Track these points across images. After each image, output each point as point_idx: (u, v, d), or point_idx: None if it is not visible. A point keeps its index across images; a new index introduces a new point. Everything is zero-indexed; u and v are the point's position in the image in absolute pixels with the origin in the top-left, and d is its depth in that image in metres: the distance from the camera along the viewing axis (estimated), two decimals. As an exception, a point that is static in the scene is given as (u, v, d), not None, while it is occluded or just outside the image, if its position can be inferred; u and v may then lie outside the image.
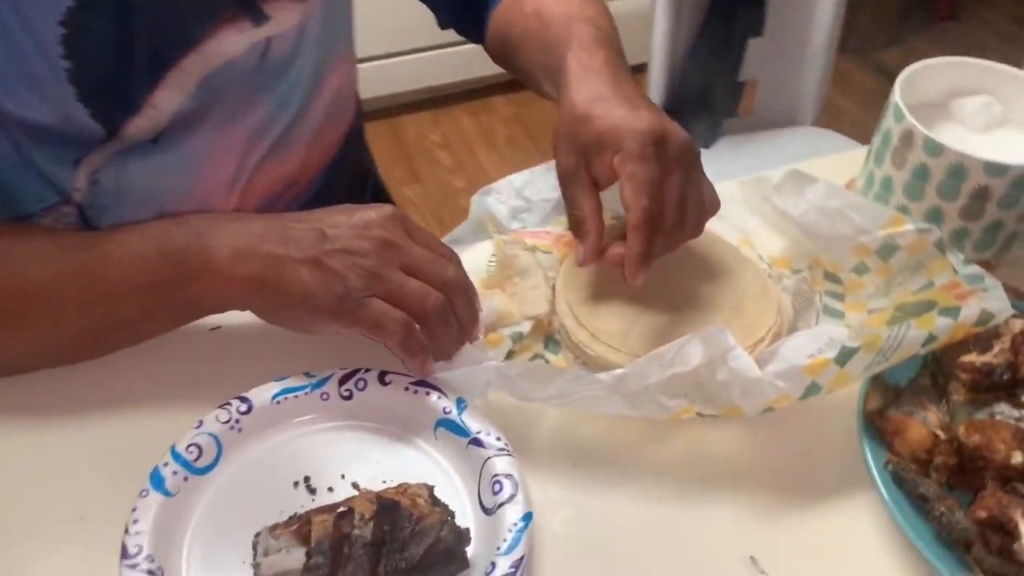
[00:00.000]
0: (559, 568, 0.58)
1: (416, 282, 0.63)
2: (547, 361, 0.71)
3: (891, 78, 0.76)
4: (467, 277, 0.67)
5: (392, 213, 0.66)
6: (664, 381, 0.61)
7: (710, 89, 1.62)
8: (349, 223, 0.65)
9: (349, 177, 1.02)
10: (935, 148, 0.71)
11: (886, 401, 0.64)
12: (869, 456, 0.61)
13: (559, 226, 0.81)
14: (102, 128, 0.76)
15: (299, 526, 0.56)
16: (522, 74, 0.90)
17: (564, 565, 0.59)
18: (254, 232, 0.65)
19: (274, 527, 0.56)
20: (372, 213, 0.66)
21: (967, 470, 0.59)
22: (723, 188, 0.83)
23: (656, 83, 1.60)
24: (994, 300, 0.63)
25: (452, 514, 0.57)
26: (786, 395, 0.60)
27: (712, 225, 0.82)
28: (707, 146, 1.64)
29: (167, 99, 0.77)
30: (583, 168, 0.70)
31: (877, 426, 0.63)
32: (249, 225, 0.65)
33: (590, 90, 0.71)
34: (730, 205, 0.84)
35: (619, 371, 0.61)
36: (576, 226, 0.71)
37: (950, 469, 0.59)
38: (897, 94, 0.74)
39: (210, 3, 0.75)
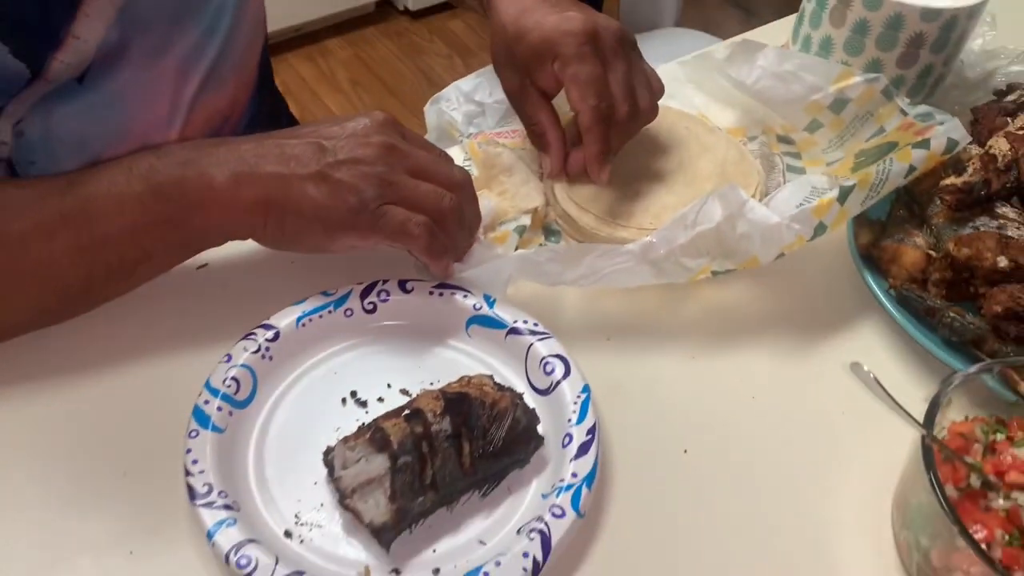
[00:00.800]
0: (617, 429, 0.60)
1: (428, 184, 0.62)
2: (550, 249, 0.72)
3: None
4: (469, 176, 0.66)
5: (384, 118, 0.64)
6: (688, 242, 0.63)
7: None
8: (345, 133, 0.62)
9: (268, 104, 0.97)
10: (874, 3, 0.76)
11: (874, 235, 0.69)
12: (872, 283, 0.67)
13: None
14: (26, 67, 0.69)
15: (371, 434, 0.54)
16: None
17: (621, 427, 0.60)
18: (248, 154, 0.61)
19: (345, 439, 0.55)
20: (365, 119, 0.64)
21: (957, 282, 0.66)
22: (664, 70, 0.86)
23: None
24: (954, 130, 0.69)
25: (520, 395, 0.57)
26: (800, 237, 0.64)
27: (666, 103, 0.85)
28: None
29: (90, 28, 0.71)
30: (528, 84, 0.72)
31: (873, 256, 0.68)
32: (239, 148, 0.62)
33: (517, 5, 0.72)
34: (675, 86, 0.87)
35: (646, 239, 0.63)
36: (537, 140, 0.74)
37: (946, 282, 0.66)
38: (828, -45, 0.79)
39: None
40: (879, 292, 0.66)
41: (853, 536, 0.55)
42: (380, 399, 0.61)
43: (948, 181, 0.66)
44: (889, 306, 0.65)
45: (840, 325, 0.68)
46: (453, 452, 0.54)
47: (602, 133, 0.68)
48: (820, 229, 0.65)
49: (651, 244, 0.63)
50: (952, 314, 0.63)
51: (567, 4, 0.71)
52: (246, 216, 0.61)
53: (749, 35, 0.98)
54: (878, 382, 0.56)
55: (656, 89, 0.73)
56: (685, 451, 0.60)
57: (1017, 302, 0.59)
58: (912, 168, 0.67)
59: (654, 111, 0.73)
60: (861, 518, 0.56)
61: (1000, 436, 0.54)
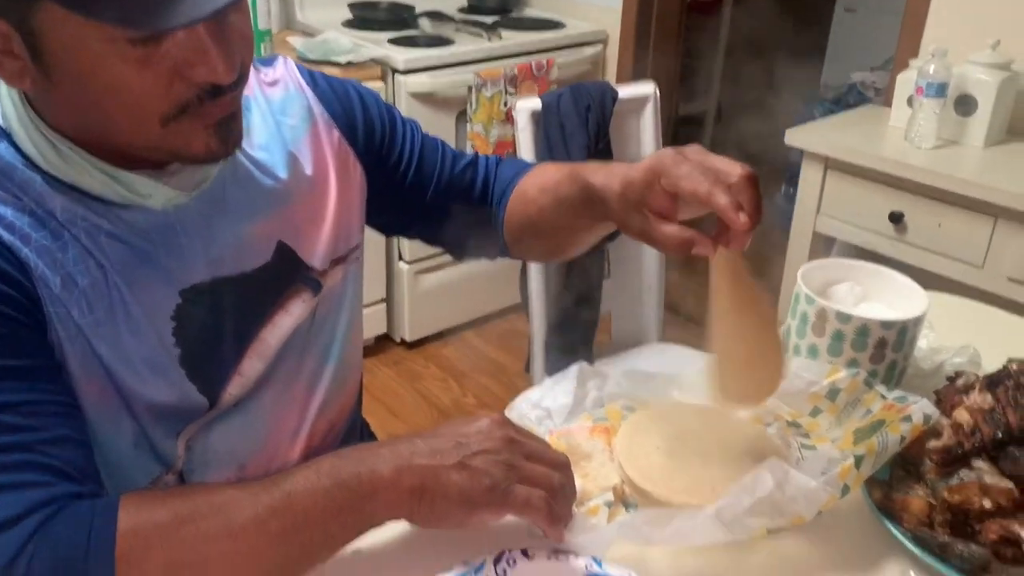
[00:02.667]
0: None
1: (541, 467, 0.80)
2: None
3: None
4: (567, 459, 0.85)
5: (501, 417, 0.83)
6: (751, 505, 0.81)
7: (577, 325, 1.94)
8: (473, 430, 0.81)
9: (359, 416, 1.16)
10: (845, 318, 1.02)
11: (883, 491, 0.88)
12: (892, 528, 0.84)
13: (587, 421, 1.02)
14: (206, 400, 0.89)
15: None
16: (550, 235, 1.02)
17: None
18: (405, 451, 0.79)
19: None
20: (486, 419, 0.82)
21: (956, 522, 0.84)
22: (695, 372, 1.10)
23: (537, 319, 1.89)
24: (927, 407, 0.91)
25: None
26: (832, 496, 0.82)
27: (697, 402, 1.06)
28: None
29: (251, 367, 0.92)
30: (647, 215, 0.82)
31: (886, 508, 0.87)
32: (398, 447, 0.80)
33: (613, 169, 0.86)
34: (704, 387, 1.09)
35: (720, 503, 0.81)
36: (685, 248, 0.81)
37: (948, 523, 0.84)
38: (802, 287, 1.06)
39: (280, 283, 0.93)
40: (900, 535, 0.83)
41: None
42: None
43: (932, 444, 0.87)
44: (911, 545, 0.82)
45: (872, 565, 0.85)
46: None
47: (738, 194, 0.76)
48: (845, 490, 0.83)
49: (723, 508, 0.81)
50: (960, 545, 0.80)
51: None
52: (407, 500, 0.77)
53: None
54: None
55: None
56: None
57: (1007, 530, 0.77)
58: (903, 438, 0.88)
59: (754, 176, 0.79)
60: None
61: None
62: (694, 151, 0.80)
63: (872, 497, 0.88)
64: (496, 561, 0.80)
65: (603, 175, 0.87)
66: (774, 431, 1.02)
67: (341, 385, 1.03)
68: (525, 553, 0.81)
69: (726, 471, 0.91)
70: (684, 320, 3.09)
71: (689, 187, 0.77)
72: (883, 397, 0.98)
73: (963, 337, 1.14)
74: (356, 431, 1.12)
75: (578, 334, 1.93)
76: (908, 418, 0.90)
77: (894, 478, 0.91)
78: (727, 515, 0.81)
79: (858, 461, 0.84)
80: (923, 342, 1.14)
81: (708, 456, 0.94)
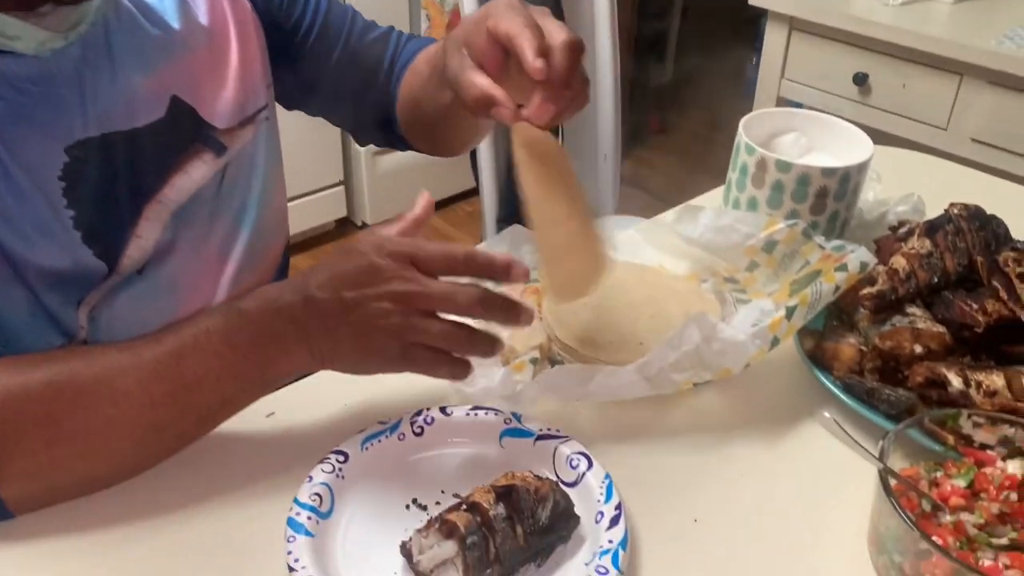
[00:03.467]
0: (634, 508, 0.72)
1: (439, 324, 0.71)
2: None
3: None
4: (481, 292, 0.71)
5: (386, 255, 0.69)
6: (676, 360, 0.79)
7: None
8: (358, 276, 0.69)
9: None
10: (785, 166, 0.97)
11: (815, 340, 0.86)
12: (820, 376, 0.82)
13: (516, 289, 0.98)
14: (104, 265, 0.84)
15: (439, 525, 0.66)
16: (430, 112, 0.96)
17: (637, 507, 0.73)
18: (300, 314, 0.71)
19: (419, 531, 0.66)
20: (368, 259, 0.70)
21: (887, 369, 0.82)
22: (625, 236, 1.06)
23: (488, 199, 1.84)
24: (864, 255, 0.88)
25: (556, 482, 0.70)
26: (761, 350, 0.80)
27: (632, 261, 1.03)
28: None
29: (150, 229, 0.87)
30: (467, 58, 0.73)
31: (817, 357, 0.85)
32: (292, 311, 0.71)
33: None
34: (635, 247, 1.06)
35: (643, 359, 0.78)
36: (482, 103, 0.71)
37: (878, 370, 0.82)
38: (743, 136, 1.01)
39: (177, 141, 0.86)
40: (827, 383, 0.82)
41: (840, 568, 0.67)
42: (437, 503, 0.72)
43: (865, 291, 0.84)
44: (838, 391, 0.80)
45: (799, 415, 0.83)
46: (510, 531, 0.66)
47: (558, 62, 0.68)
48: (775, 342, 0.81)
49: (646, 364, 0.78)
50: (887, 391, 0.78)
51: None
52: (305, 364, 0.73)
53: (702, 199, 1.20)
54: (839, 424, 0.70)
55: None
56: (695, 520, 0.72)
57: (933, 372, 0.75)
58: (837, 287, 0.85)
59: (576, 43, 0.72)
60: (843, 557, 0.68)
61: (939, 473, 0.68)
62: (539, 9, 0.73)
63: (803, 347, 0.86)
64: (413, 419, 0.77)
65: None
66: (709, 287, 0.99)
67: (260, 254, 0.98)
68: (443, 411, 0.78)
69: (656, 327, 0.88)
70: (642, 192, 3.05)
71: (504, 27, 0.69)
72: (821, 248, 0.94)
73: (911, 189, 1.11)
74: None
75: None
76: (844, 267, 0.86)
77: (828, 328, 0.88)
78: (651, 370, 0.78)
79: (789, 312, 0.81)
80: (870, 194, 1.10)
81: (638, 312, 0.90)
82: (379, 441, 0.76)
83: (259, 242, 0.97)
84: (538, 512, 0.67)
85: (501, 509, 0.66)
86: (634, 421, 0.82)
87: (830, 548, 0.69)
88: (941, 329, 0.81)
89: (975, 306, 0.80)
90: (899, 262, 0.86)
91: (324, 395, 0.82)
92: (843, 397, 0.80)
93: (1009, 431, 0.69)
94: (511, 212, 1.83)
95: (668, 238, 1.04)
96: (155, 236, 0.87)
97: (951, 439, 0.71)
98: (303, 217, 2.74)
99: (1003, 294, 0.79)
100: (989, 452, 0.69)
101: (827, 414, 0.71)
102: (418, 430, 0.77)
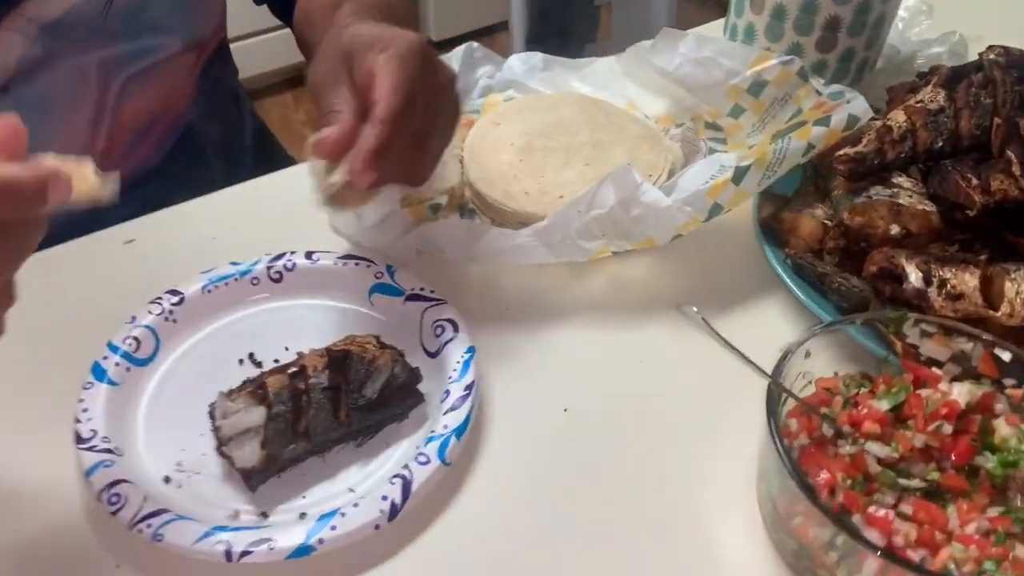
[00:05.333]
0: (502, 390, 0.62)
1: None
2: (465, 228, 0.74)
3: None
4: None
5: None
6: (583, 226, 0.65)
7: (569, 16, 1.68)
8: None
9: (224, 102, 1.00)
10: (787, -14, 0.78)
11: (776, 208, 0.70)
12: (769, 254, 0.67)
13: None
14: None
15: (254, 388, 0.57)
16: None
17: (507, 388, 0.62)
18: None
19: (229, 392, 0.57)
20: None
21: (854, 252, 0.66)
22: (603, 63, 0.89)
23: (518, 13, 1.65)
24: (857, 106, 0.70)
25: (402, 353, 0.60)
26: (694, 218, 0.65)
27: (598, 95, 0.87)
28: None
29: (9, 42, 0.76)
30: (343, 72, 0.60)
31: (773, 228, 0.69)
32: None
33: (356, 23, 0.64)
34: (610, 78, 0.89)
35: (542, 223, 0.65)
36: (328, 116, 0.59)
37: (841, 251, 0.66)
38: (746, -54, 0.81)
39: None
40: (775, 262, 0.67)
41: (723, 491, 0.56)
42: (276, 360, 0.63)
43: (843, 152, 0.67)
44: (783, 274, 0.66)
45: (743, 298, 0.69)
46: (328, 404, 0.56)
47: (389, 132, 0.56)
48: (716, 210, 0.66)
49: (546, 228, 0.65)
50: (839, 279, 0.63)
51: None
52: None
53: (707, 27, 1.01)
54: (706, 322, 0.57)
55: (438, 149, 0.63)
56: (565, 410, 0.61)
57: (891, 261, 0.59)
58: (811, 146, 0.68)
59: (432, 161, 0.63)
60: (731, 475, 0.57)
61: (863, 390, 0.55)
62: (441, 79, 0.61)
63: (760, 214, 0.70)
64: (272, 262, 0.67)
65: (347, 15, 0.67)
66: (679, 134, 0.82)
67: (160, 70, 0.86)
68: (309, 256, 0.68)
69: (587, 178, 0.74)
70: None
71: (380, 87, 0.56)
72: (817, 93, 0.76)
73: (971, 27, 0.88)
74: (206, 122, 0.96)
75: (568, 26, 1.68)
76: (826, 120, 0.69)
77: (799, 194, 0.72)
78: (552, 235, 0.65)
79: (739, 174, 0.65)
80: (913, 31, 0.89)
81: (572, 157, 0.76)
82: (227, 284, 0.66)
83: (158, 59, 0.85)
84: (367, 386, 0.57)
85: (324, 378, 0.57)
86: (534, 291, 0.70)
87: (717, 465, 0.57)
88: (928, 207, 0.64)
89: (975, 181, 0.62)
90: (897, 118, 0.68)
91: (192, 230, 0.73)
92: (786, 279, 0.65)
93: (966, 345, 0.54)
94: (538, 29, 1.65)
95: (648, 71, 0.87)
96: (16, 52, 0.77)
97: (899, 345, 0.57)
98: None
99: (1016, 168, 0.61)
100: (936, 370, 0.55)
101: (694, 309, 0.58)
102: (276, 275, 0.67)
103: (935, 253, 0.60)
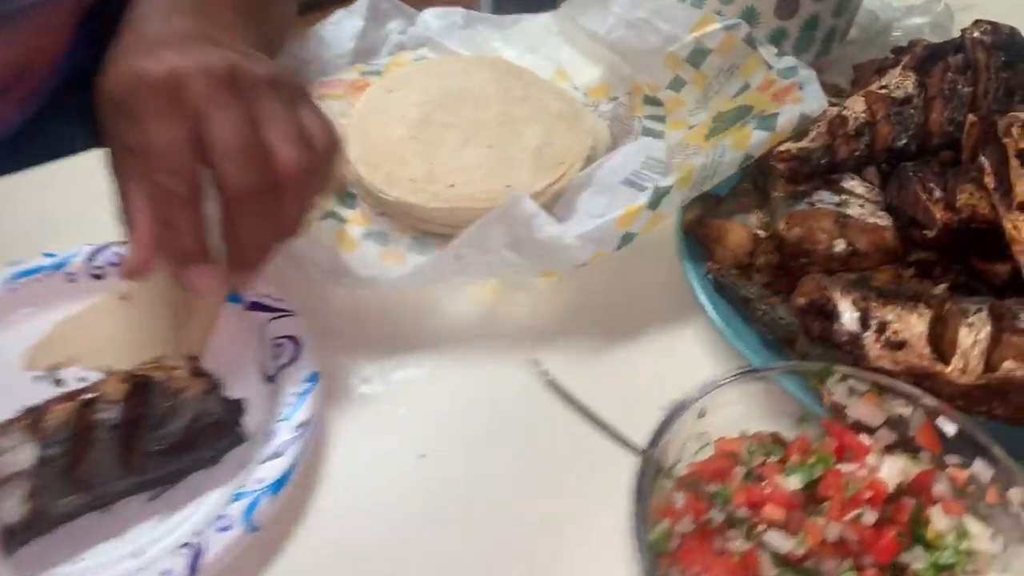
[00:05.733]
0: (350, 429, 0.51)
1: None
2: (342, 219, 0.62)
3: None
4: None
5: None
6: (463, 265, 0.54)
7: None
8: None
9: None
10: (741, -62, 0.65)
11: (705, 210, 0.59)
12: (689, 269, 0.56)
13: (354, 72, 0.72)
14: None
15: (33, 419, 0.46)
16: None
17: (357, 427, 0.51)
18: None
19: (3, 424, 0.47)
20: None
21: (792, 270, 0.55)
22: (539, 21, 0.77)
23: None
24: (811, 99, 0.58)
25: (217, 383, 0.49)
26: (599, 253, 0.54)
27: (524, 60, 0.75)
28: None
29: None
30: (128, 129, 0.45)
31: (697, 236, 0.58)
32: None
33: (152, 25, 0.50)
34: (544, 37, 0.77)
35: (410, 269, 0.54)
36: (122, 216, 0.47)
37: (774, 268, 0.55)
38: None
39: None
40: (694, 278, 0.55)
41: (596, 558, 0.45)
42: (81, 380, 0.52)
43: (784, 147, 0.55)
44: (701, 294, 0.54)
45: (659, 319, 0.58)
46: (114, 445, 0.46)
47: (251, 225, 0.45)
48: (628, 238, 0.54)
49: (419, 271, 0.54)
50: (764, 306, 0.52)
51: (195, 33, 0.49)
52: None
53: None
54: (558, 387, 0.46)
55: (321, 146, 0.48)
56: (423, 456, 0.50)
57: (822, 293, 0.48)
58: (749, 157, 0.56)
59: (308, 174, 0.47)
60: (606, 544, 0.46)
61: (772, 458, 0.44)
62: (260, 88, 0.46)
63: (684, 217, 0.59)
64: (93, 255, 0.56)
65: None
66: (609, 109, 0.70)
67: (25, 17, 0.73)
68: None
69: (487, 163, 0.62)
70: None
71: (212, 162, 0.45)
72: (768, 66, 0.64)
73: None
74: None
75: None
76: (771, 121, 0.56)
77: (734, 193, 0.60)
78: (424, 276, 0.54)
79: (656, 198, 0.54)
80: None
81: (475, 135, 0.64)
82: (37, 279, 0.55)
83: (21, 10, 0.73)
84: (168, 424, 0.47)
85: (116, 414, 0.46)
86: (402, 307, 0.58)
87: (592, 532, 0.47)
88: (882, 221, 0.53)
89: (938, 193, 0.50)
90: (854, 106, 0.56)
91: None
92: (704, 302, 0.54)
93: (904, 409, 0.43)
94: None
95: (582, 33, 0.75)
96: None
97: (827, 399, 0.46)
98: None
99: (988, 179, 0.49)
100: (864, 439, 0.44)
101: (540, 365, 0.46)
102: (97, 271, 0.56)
103: (880, 284, 0.48)
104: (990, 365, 0.45)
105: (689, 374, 0.48)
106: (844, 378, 0.44)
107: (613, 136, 0.69)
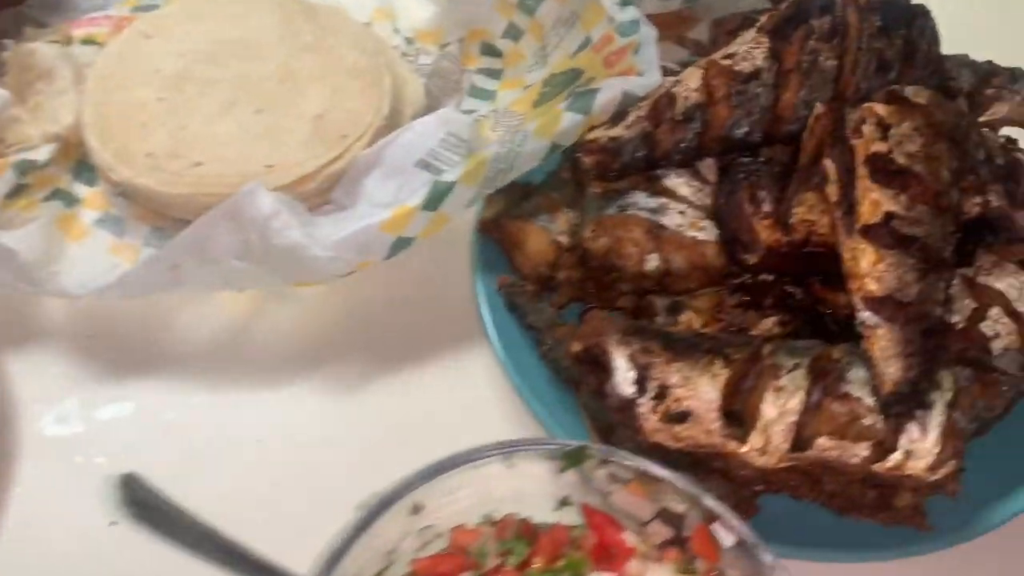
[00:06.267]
0: (42, 490, 0.41)
1: None
2: (74, 200, 0.51)
3: None
4: None
5: None
6: (189, 278, 0.43)
7: None
8: None
9: None
10: None
11: (509, 206, 0.47)
12: (479, 283, 0.45)
13: (126, 5, 0.59)
14: None
15: None
16: None
17: (48, 485, 0.41)
18: None
19: None
20: None
21: (603, 284, 0.44)
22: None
23: None
24: (643, 69, 0.46)
25: None
26: (365, 262, 0.43)
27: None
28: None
29: None
30: None
31: (497, 237, 0.47)
32: None
33: None
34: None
35: (113, 279, 0.43)
36: None
37: (576, 286, 0.44)
38: None
39: None
40: (482, 295, 0.45)
41: None
42: None
43: (593, 134, 0.44)
44: (487, 316, 0.44)
45: (449, 342, 0.48)
46: None
47: None
48: (403, 243, 0.44)
49: (122, 282, 0.43)
50: (551, 340, 0.42)
51: None
52: None
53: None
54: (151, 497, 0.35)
55: None
56: (115, 524, 0.40)
57: (599, 342, 0.37)
58: (556, 147, 0.45)
59: None
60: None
61: (513, 560, 0.34)
62: None
63: (482, 214, 0.48)
64: None
65: None
66: (432, 61, 0.58)
67: None
68: None
69: (251, 132, 0.50)
70: None
71: None
72: (609, 20, 0.51)
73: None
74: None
75: None
76: (586, 101, 0.45)
77: (547, 185, 0.49)
78: (134, 288, 0.43)
79: (435, 197, 0.43)
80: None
81: (241, 97, 0.52)
82: None
83: None
84: None
85: None
86: (131, 318, 0.47)
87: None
88: (703, 235, 0.42)
89: (767, 206, 0.40)
90: (690, 81, 0.45)
91: None
92: (488, 323, 0.44)
93: (676, 505, 0.34)
94: None
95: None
96: None
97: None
98: None
99: (831, 190, 0.39)
100: (626, 540, 0.34)
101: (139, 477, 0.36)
102: None
103: (677, 329, 0.38)
104: (801, 441, 0.35)
105: (469, 412, 0.39)
106: (604, 463, 0.34)
107: (433, 96, 0.57)
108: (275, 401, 0.45)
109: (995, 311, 0.39)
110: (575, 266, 0.44)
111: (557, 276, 0.45)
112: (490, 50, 0.60)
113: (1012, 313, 0.39)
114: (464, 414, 0.44)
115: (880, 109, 0.39)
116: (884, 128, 0.38)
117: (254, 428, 0.44)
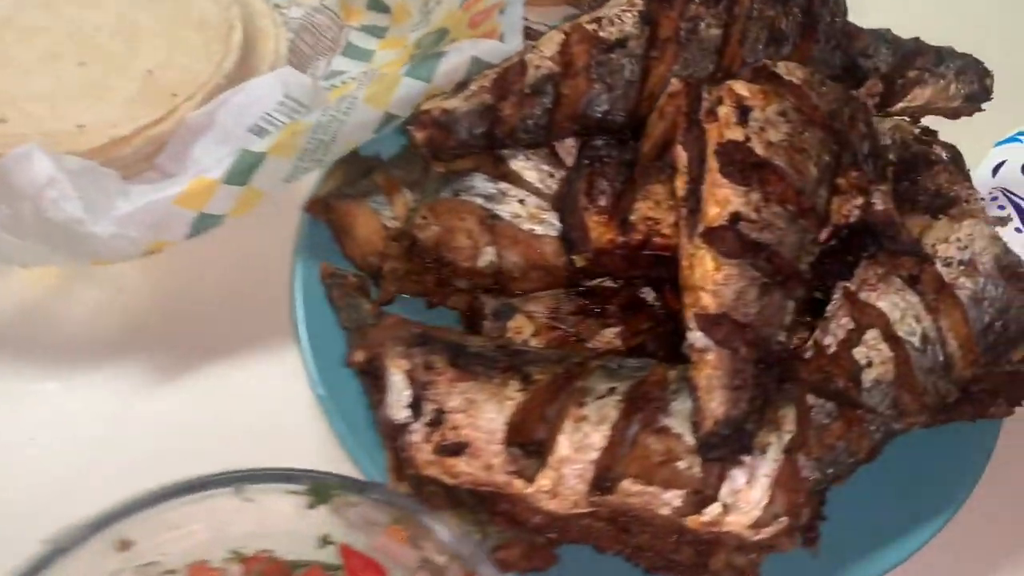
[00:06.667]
0: None
1: None
2: None
3: None
4: None
5: None
6: None
7: None
8: None
9: None
10: None
11: (346, 182, 0.42)
12: (298, 270, 0.40)
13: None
14: None
15: None
16: None
17: None
18: None
19: None
20: None
21: (443, 280, 0.39)
22: None
23: None
24: (505, 33, 0.40)
25: None
26: (161, 242, 0.37)
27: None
28: None
29: None
30: None
31: (328, 220, 0.41)
32: None
33: None
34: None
35: None
36: None
37: (402, 280, 0.39)
38: None
39: None
40: (298, 284, 0.39)
41: None
42: None
43: (428, 105, 0.38)
44: (300, 310, 0.38)
45: (261, 338, 0.42)
46: None
47: None
48: (208, 221, 0.38)
49: None
50: (348, 307, 0.36)
51: None
52: None
53: None
54: None
55: None
56: None
57: (378, 354, 0.32)
58: (390, 117, 0.39)
59: None
60: None
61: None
62: None
63: (317, 192, 0.42)
64: None
65: None
66: (301, 14, 0.52)
67: None
68: None
69: (69, 90, 0.44)
70: None
71: None
72: (488, -24, 0.45)
73: None
74: None
75: None
76: (428, 66, 0.39)
77: (396, 159, 0.43)
78: None
79: (241, 169, 0.37)
80: None
81: (66, 48, 0.46)
82: None
83: None
84: None
85: None
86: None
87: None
88: (543, 230, 0.36)
89: (604, 200, 0.34)
90: (545, 47, 0.38)
91: None
92: (300, 319, 0.38)
93: (438, 557, 0.28)
94: None
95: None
96: None
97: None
98: None
99: (679, 184, 0.32)
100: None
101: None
102: None
103: (473, 341, 0.32)
104: (605, 483, 0.29)
105: (278, 420, 0.34)
106: (352, 503, 0.28)
107: (303, 54, 0.51)
108: (57, 393, 0.39)
109: (872, 334, 0.33)
110: (401, 257, 0.38)
111: (385, 268, 0.39)
112: (377, 4, 0.54)
113: (891, 338, 0.33)
114: (272, 421, 0.39)
115: (741, 88, 0.32)
116: (744, 111, 0.32)
117: (28, 425, 0.38)
